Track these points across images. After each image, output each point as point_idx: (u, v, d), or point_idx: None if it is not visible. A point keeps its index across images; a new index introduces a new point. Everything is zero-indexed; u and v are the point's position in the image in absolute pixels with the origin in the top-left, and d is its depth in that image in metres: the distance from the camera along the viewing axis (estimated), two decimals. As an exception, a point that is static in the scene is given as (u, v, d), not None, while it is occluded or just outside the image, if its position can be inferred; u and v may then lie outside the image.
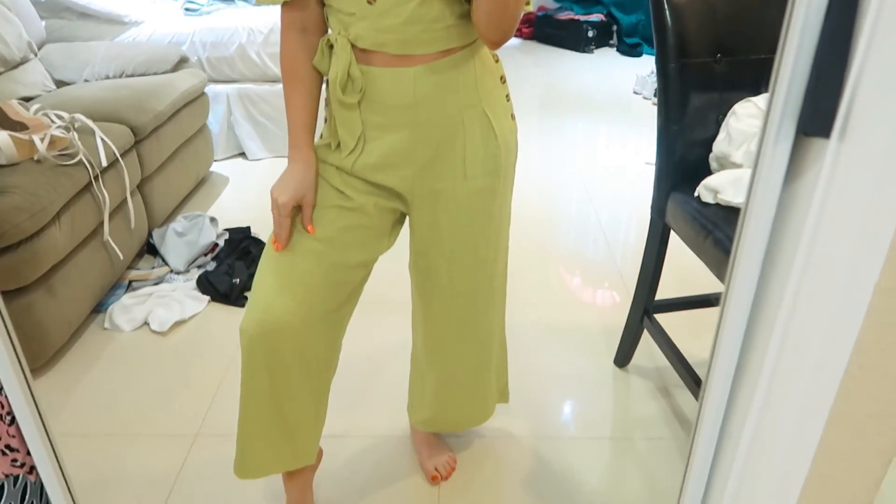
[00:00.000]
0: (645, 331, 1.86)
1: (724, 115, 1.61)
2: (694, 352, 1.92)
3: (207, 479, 1.61)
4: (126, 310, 2.19)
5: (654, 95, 4.31)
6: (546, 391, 1.89)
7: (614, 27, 5.75)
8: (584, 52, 5.61)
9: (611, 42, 5.80)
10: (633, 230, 2.80)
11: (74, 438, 1.73)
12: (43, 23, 3.06)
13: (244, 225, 2.67)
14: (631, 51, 5.54)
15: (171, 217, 2.72)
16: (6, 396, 0.91)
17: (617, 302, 2.30)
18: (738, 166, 1.55)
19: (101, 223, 2.14)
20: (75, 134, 2.08)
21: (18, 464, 1.01)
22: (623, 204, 3.02)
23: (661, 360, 1.99)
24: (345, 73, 1.12)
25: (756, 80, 1.62)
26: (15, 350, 0.80)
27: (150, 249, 2.53)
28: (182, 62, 3.03)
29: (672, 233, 1.69)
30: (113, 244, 2.19)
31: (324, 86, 1.22)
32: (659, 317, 1.82)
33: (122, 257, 2.25)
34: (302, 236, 1.21)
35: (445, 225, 1.26)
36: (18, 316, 1.81)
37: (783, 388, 0.62)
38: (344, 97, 1.14)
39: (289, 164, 1.21)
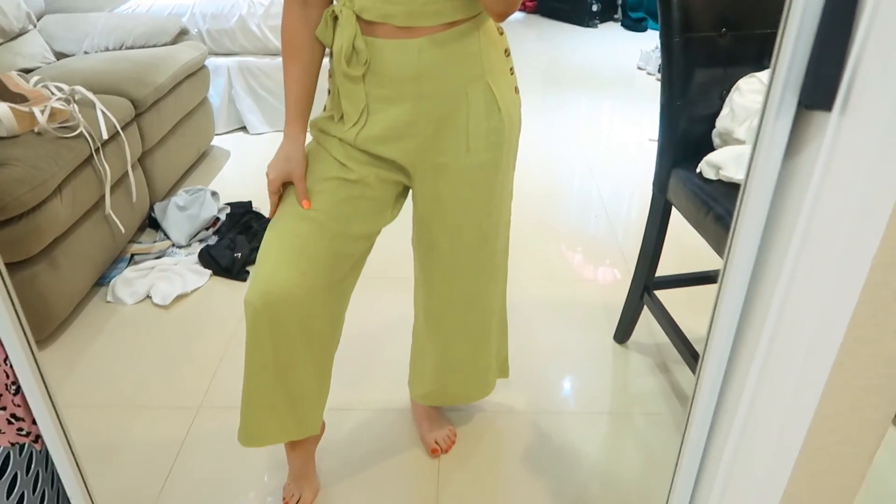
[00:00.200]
0: (645, 307, 1.87)
1: (728, 91, 1.60)
2: (693, 328, 1.94)
3: (210, 450, 1.63)
4: (128, 283, 2.20)
5: (658, 71, 4.27)
6: (546, 366, 1.90)
7: (619, 1, 5.68)
8: (587, 26, 5.56)
9: (615, 16, 5.74)
10: (634, 207, 2.79)
11: (78, 410, 1.75)
12: (41, -7, 3.03)
13: (245, 199, 2.67)
14: (635, 25, 5.48)
15: (172, 191, 2.72)
16: (11, 366, 0.92)
17: (618, 278, 2.30)
18: (741, 142, 1.54)
19: (103, 196, 2.14)
20: (76, 106, 2.07)
21: (24, 433, 1.03)
22: (625, 180, 3.01)
23: (661, 336, 2.00)
24: (350, 45, 1.12)
25: (760, 55, 1.60)
26: (20, 319, 0.81)
27: (152, 223, 2.53)
28: (182, 34, 3.01)
29: (673, 210, 1.69)
30: (115, 217, 2.19)
31: (327, 58, 1.22)
32: (659, 293, 1.83)
33: (123, 231, 2.25)
34: (303, 209, 1.22)
35: (447, 199, 1.26)
36: (21, 288, 1.82)
37: (779, 362, 0.62)
38: (349, 69, 1.13)
39: (284, 138, 1.23)
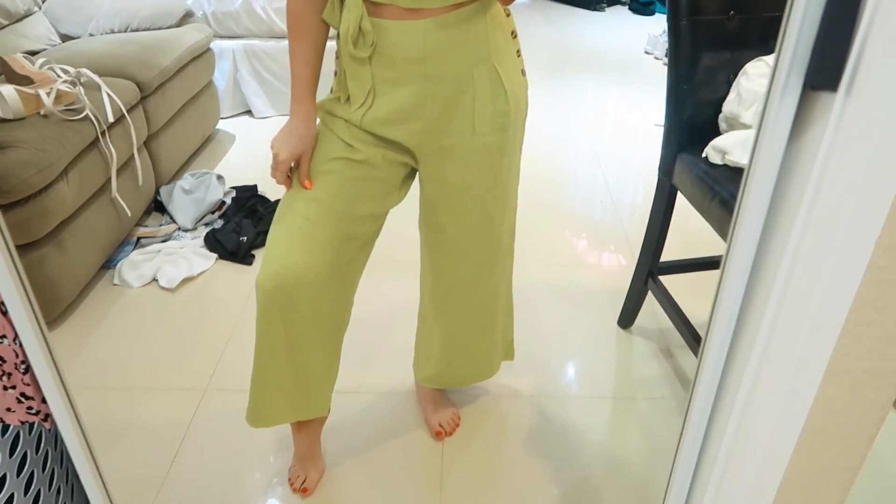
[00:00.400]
0: (649, 293, 1.87)
1: (735, 75, 1.59)
2: (697, 313, 1.94)
3: (217, 431, 1.64)
4: (135, 266, 2.21)
5: (666, 55, 4.23)
6: (550, 350, 1.91)
7: (627, -15, 5.64)
8: (595, 10, 5.51)
9: (623, 0, 5.69)
10: (640, 192, 2.79)
11: (85, 391, 1.77)
12: (46, -25, 3.02)
13: (251, 183, 2.68)
14: (643, 9, 5.44)
15: (178, 174, 2.73)
16: (21, 345, 0.93)
17: (622, 264, 2.30)
18: (748, 127, 1.53)
19: (109, 179, 2.15)
20: (81, 89, 2.07)
21: (34, 411, 1.04)
22: (631, 166, 3.00)
23: (665, 321, 2.01)
24: (356, 27, 1.11)
25: (768, 38, 1.59)
26: (29, 299, 0.82)
27: (158, 207, 2.54)
28: (187, 17, 3.00)
29: (679, 195, 1.68)
30: (121, 201, 2.20)
31: (332, 41, 1.21)
32: (663, 279, 1.83)
33: (129, 214, 2.26)
34: (311, 191, 1.22)
35: (453, 181, 1.26)
36: (29, 271, 1.84)
37: (781, 344, 0.63)
38: (355, 51, 1.13)
39: (290, 117, 1.22)
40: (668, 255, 1.84)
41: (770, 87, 0.55)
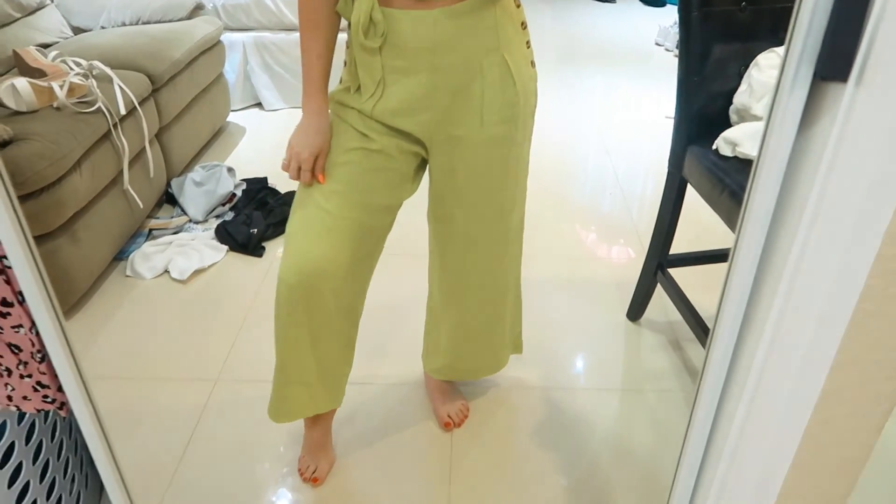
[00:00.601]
0: (658, 285, 1.87)
1: (747, 67, 1.58)
2: (707, 306, 1.94)
3: (228, 421, 1.66)
4: (147, 258, 2.23)
5: (677, 47, 4.21)
6: (559, 343, 1.92)
7: (638, -24, 5.59)
8: (606, 1, 5.48)
9: (633, -8, 5.65)
10: (650, 185, 2.78)
11: (98, 381, 1.79)
12: (58, -32, 3.04)
13: (261, 175, 2.69)
14: (654, 0, 5.40)
15: (189, 167, 2.74)
16: (37, 334, 0.94)
17: (631, 256, 2.30)
18: (759, 119, 1.53)
19: (121, 172, 2.16)
20: (93, 81, 2.09)
21: (49, 400, 1.06)
22: (641, 158, 2.99)
23: (674, 314, 2.01)
24: (367, 17, 1.12)
25: (780, 29, 1.58)
26: (47, 289, 0.83)
27: (169, 199, 2.56)
28: (198, 9, 3.01)
29: (689, 188, 1.68)
30: (133, 193, 2.21)
31: (342, 33, 1.22)
32: (673, 272, 1.83)
33: (141, 206, 2.28)
34: (329, 183, 1.23)
35: (462, 172, 1.27)
36: (43, 261, 1.85)
37: (789, 334, 0.63)
38: (366, 41, 1.14)
39: (304, 115, 1.22)
40: (678, 247, 1.83)
41: (780, 78, 0.55)
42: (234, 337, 1.93)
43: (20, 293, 0.93)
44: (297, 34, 3.27)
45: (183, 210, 2.49)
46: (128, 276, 2.18)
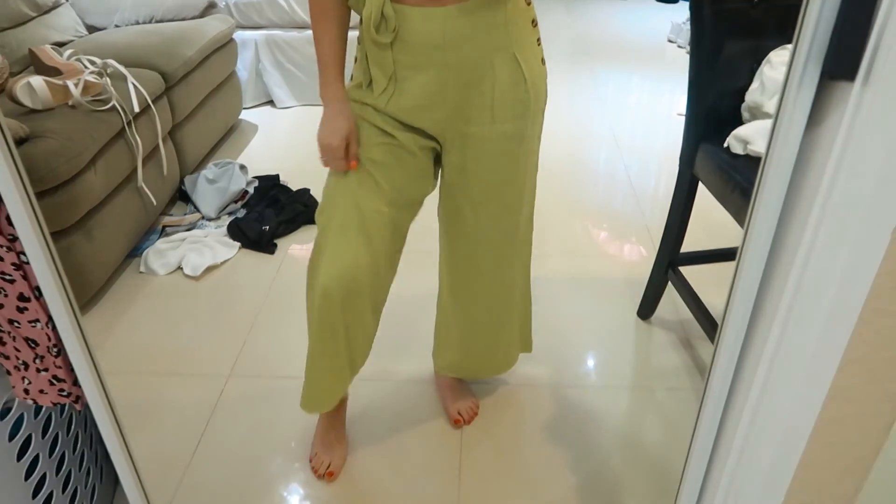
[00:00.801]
0: (669, 283, 1.87)
1: (759, 64, 1.57)
2: (718, 304, 1.93)
3: (240, 416, 1.68)
4: (160, 254, 2.25)
5: (689, 44, 4.18)
6: (569, 340, 1.92)
7: (650, -28, 5.56)
8: (618, -2, 5.45)
9: (646, -12, 5.61)
10: (662, 183, 2.77)
11: (113, 376, 1.80)
12: (73, -33, 3.07)
13: (273, 173, 2.70)
14: (667, -3, 5.37)
15: (202, 164, 2.76)
16: (53, 328, 0.96)
17: (643, 254, 2.30)
18: (771, 116, 1.52)
19: (135, 169, 2.18)
20: (108, 79, 2.11)
21: (65, 393, 1.07)
22: (653, 156, 2.98)
23: (685, 312, 2.00)
24: (378, 12, 1.13)
25: (793, 26, 1.57)
26: (63, 284, 0.84)
27: (182, 196, 2.58)
28: (210, 7, 3.03)
29: (701, 185, 1.67)
30: (146, 190, 2.24)
31: (352, 31, 1.22)
32: (685, 269, 1.82)
33: (155, 203, 2.30)
34: (359, 179, 1.24)
35: (472, 169, 1.28)
36: (58, 257, 1.88)
37: (797, 331, 0.63)
38: (377, 37, 1.14)
39: (325, 103, 1.23)
40: (690, 245, 1.83)
41: (787, 77, 0.55)
42: (246, 333, 1.95)
43: (37, 288, 0.95)
44: (309, 32, 3.27)
45: (196, 207, 2.51)
46: (141, 273, 2.21)
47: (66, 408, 1.29)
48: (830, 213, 0.56)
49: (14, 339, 1.01)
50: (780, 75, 1.50)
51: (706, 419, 0.75)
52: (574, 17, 5.03)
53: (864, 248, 0.57)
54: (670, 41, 4.45)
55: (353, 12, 1.21)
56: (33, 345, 1.01)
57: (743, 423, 0.71)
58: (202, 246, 2.29)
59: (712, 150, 1.58)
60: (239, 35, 3.24)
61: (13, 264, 0.93)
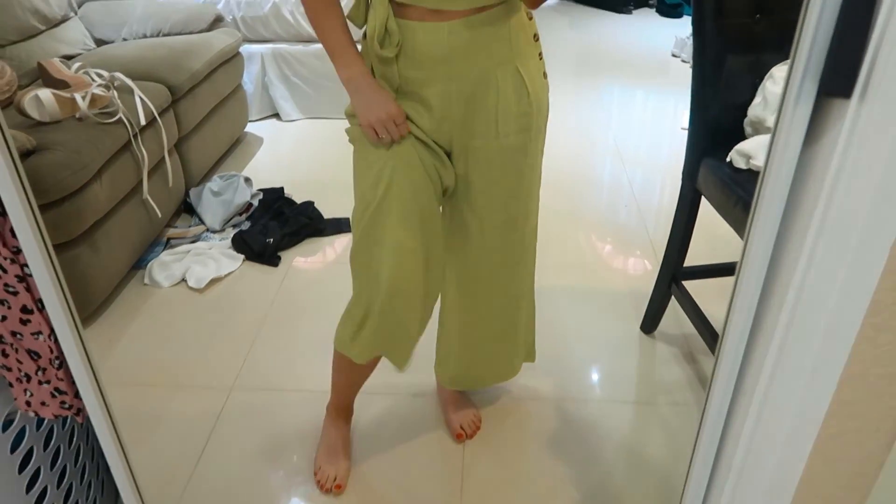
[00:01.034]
0: (672, 297, 1.86)
1: (761, 79, 1.58)
2: (721, 319, 1.91)
3: (242, 429, 1.67)
4: (164, 266, 2.26)
5: (692, 58, 4.20)
6: (572, 353, 1.91)
7: (654, -13, 5.59)
8: (622, 12, 5.48)
9: (650, 2, 5.65)
10: (666, 196, 2.77)
11: (115, 388, 1.81)
12: (82, -19, 3.11)
13: (278, 185, 2.72)
14: (671, 11, 5.39)
15: (207, 176, 2.78)
16: (55, 341, 0.96)
17: (647, 268, 2.29)
18: (773, 131, 1.52)
19: (140, 181, 2.20)
20: (115, 92, 2.13)
21: (66, 406, 1.08)
22: (657, 170, 2.98)
23: (688, 326, 1.99)
24: (382, 27, 1.13)
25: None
26: (66, 297, 0.85)
27: (187, 208, 2.59)
28: (217, 21, 3.06)
29: (704, 199, 1.67)
30: (152, 202, 2.25)
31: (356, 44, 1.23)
32: (689, 283, 1.82)
33: (160, 215, 2.31)
34: (407, 176, 1.22)
35: (477, 181, 1.28)
36: (63, 269, 1.87)
37: (796, 347, 0.63)
38: (382, 51, 1.15)
39: (359, 82, 1.17)
40: (694, 259, 1.83)
41: (784, 94, 0.55)
42: (249, 345, 1.95)
43: (40, 300, 0.95)
44: (315, 46, 3.31)
45: (200, 219, 2.53)
46: (146, 285, 2.21)
47: (69, 420, 1.29)
48: (829, 229, 0.56)
49: (16, 351, 1.01)
50: (782, 90, 1.50)
51: (707, 435, 0.75)
52: (578, 32, 5.06)
53: (862, 263, 0.57)
54: (674, 55, 4.47)
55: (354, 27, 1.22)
56: (35, 357, 1.01)
57: (744, 438, 0.70)
58: (206, 258, 2.30)
59: (715, 164, 1.58)
60: (245, 48, 3.26)
61: (17, 276, 0.94)
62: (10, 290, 0.95)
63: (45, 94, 1.96)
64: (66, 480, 1.27)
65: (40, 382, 1.05)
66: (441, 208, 1.34)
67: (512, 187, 1.30)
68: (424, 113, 1.22)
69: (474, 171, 1.28)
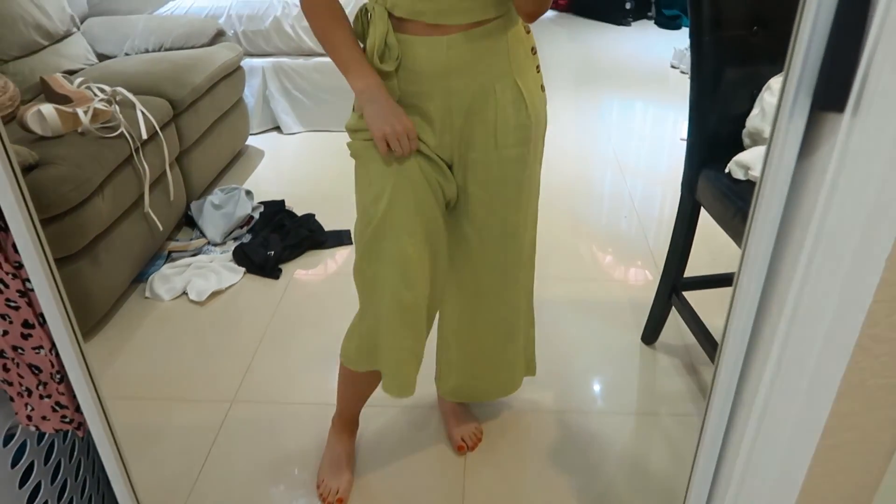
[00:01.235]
0: (673, 308, 1.86)
1: (759, 90, 1.59)
2: (721, 329, 1.91)
3: (243, 442, 1.67)
4: (166, 279, 2.26)
5: (690, 70, 4.21)
6: (573, 365, 1.91)
7: (653, -1, 5.62)
8: (621, 24, 5.51)
9: (649, 14, 5.68)
10: (666, 207, 2.78)
11: (116, 401, 1.81)
12: (85, -3, 3.13)
13: (279, 198, 2.73)
14: (670, 23, 5.42)
15: (208, 189, 2.79)
16: (56, 355, 0.97)
17: (648, 279, 2.30)
18: (771, 142, 1.53)
19: (142, 195, 2.21)
20: (117, 107, 2.14)
21: (67, 420, 1.08)
22: (657, 180, 2.99)
23: (689, 337, 1.99)
24: (382, 41, 1.15)
25: (792, 53, 1.58)
26: (67, 311, 0.85)
27: (189, 221, 2.60)
28: (219, 36, 3.08)
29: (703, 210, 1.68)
30: (153, 216, 2.26)
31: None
32: (690, 294, 1.82)
33: (161, 228, 2.32)
34: (390, 213, 1.23)
35: (476, 193, 1.29)
36: (64, 283, 1.87)
37: (794, 359, 0.63)
38: (382, 65, 1.16)
39: (372, 93, 1.16)
40: (695, 269, 1.83)
41: (779, 108, 0.56)
42: (250, 358, 1.95)
43: (41, 315, 0.96)
44: (316, 59, 3.33)
45: (202, 232, 2.53)
46: (147, 298, 2.22)
47: (69, 434, 1.29)
48: (825, 241, 0.57)
49: (18, 365, 1.02)
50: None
51: (707, 446, 0.75)
52: (577, 44, 5.08)
53: (858, 275, 0.57)
54: (673, 67, 4.49)
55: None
56: (37, 371, 1.02)
57: (744, 449, 0.70)
58: (207, 271, 2.31)
59: (714, 175, 1.59)
60: (247, 62, 3.28)
61: (18, 291, 0.94)
62: (12, 304, 0.95)
63: (48, 109, 1.97)
64: (66, 495, 1.26)
65: (41, 397, 1.05)
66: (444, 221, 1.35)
67: (511, 199, 1.31)
68: (426, 126, 1.22)
69: (473, 183, 1.28)
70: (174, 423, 1.73)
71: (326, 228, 2.55)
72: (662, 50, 4.78)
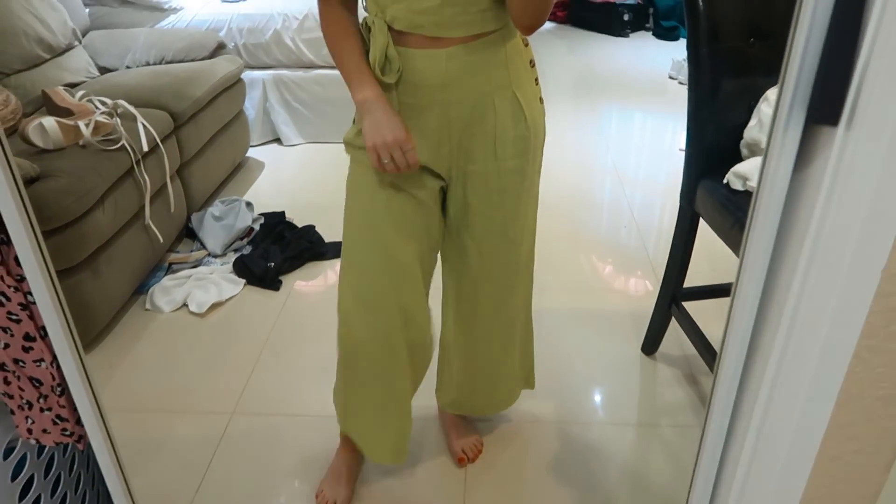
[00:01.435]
0: (673, 319, 1.86)
1: (757, 101, 1.60)
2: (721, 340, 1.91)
3: (244, 454, 1.67)
4: (166, 291, 2.26)
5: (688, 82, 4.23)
6: (573, 377, 1.91)
7: (651, 10, 5.65)
8: (619, 35, 5.54)
9: (647, 25, 5.71)
10: (666, 217, 2.78)
11: (116, 413, 1.81)
12: (87, 10, 3.15)
13: (279, 210, 2.73)
14: (667, 34, 5.45)
15: (209, 201, 2.80)
16: (57, 368, 0.97)
17: (648, 289, 2.30)
18: (769, 153, 1.53)
19: (143, 207, 2.21)
20: (118, 120, 2.15)
21: (68, 433, 1.08)
22: (656, 191, 3.00)
23: (689, 348, 1.99)
24: (382, 54, 1.16)
25: (789, 65, 1.60)
26: (68, 324, 0.86)
27: (189, 233, 2.60)
28: (220, 48, 3.09)
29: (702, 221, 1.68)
30: (154, 227, 2.26)
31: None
32: (690, 304, 1.82)
33: (162, 240, 2.32)
34: (379, 225, 1.26)
35: (475, 205, 1.30)
36: (65, 295, 1.89)
37: (792, 371, 0.63)
38: (383, 77, 1.17)
39: (371, 104, 1.16)
40: (695, 279, 1.83)
41: (773, 121, 0.57)
42: (250, 370, 1.95)
43: (42, 328, 0.96)
44: (316, 71, 3.35)
45: (202, 244, 2.54)
46: (147, 310, 2.22)
47: (69, 447, 1.29)
48: (821, 253, 0.57)
49: (18, 378, 1.02)
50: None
51: (706, 457, 0.75)
52: (576, 55, 5.11)
53: (855, 287, 0.58)
54: (671, 78, 4.51)
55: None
56: (37, 384, 1.02)
57: (743, 460, 0.71)
58: (208, 283, 2.31)
59: (712, 186, 1.59)
60: (247, 74, 3.30)
61: (20, 304, 0.94)
62: (14, 317, 0.95)
63: (49, 121, 1.98)
64: (66, 508, 1.26)
65: (42, 410, 1.05)
66: (436, 238, 1.37)
67: (510, 210, 1.32)
68: (422, 142, 1.23)
69: (473, 195, 1.29)
70: (174, 435, 1.73)
71: (327, 240, 2.55)
72: (660, 61, 4.81)
